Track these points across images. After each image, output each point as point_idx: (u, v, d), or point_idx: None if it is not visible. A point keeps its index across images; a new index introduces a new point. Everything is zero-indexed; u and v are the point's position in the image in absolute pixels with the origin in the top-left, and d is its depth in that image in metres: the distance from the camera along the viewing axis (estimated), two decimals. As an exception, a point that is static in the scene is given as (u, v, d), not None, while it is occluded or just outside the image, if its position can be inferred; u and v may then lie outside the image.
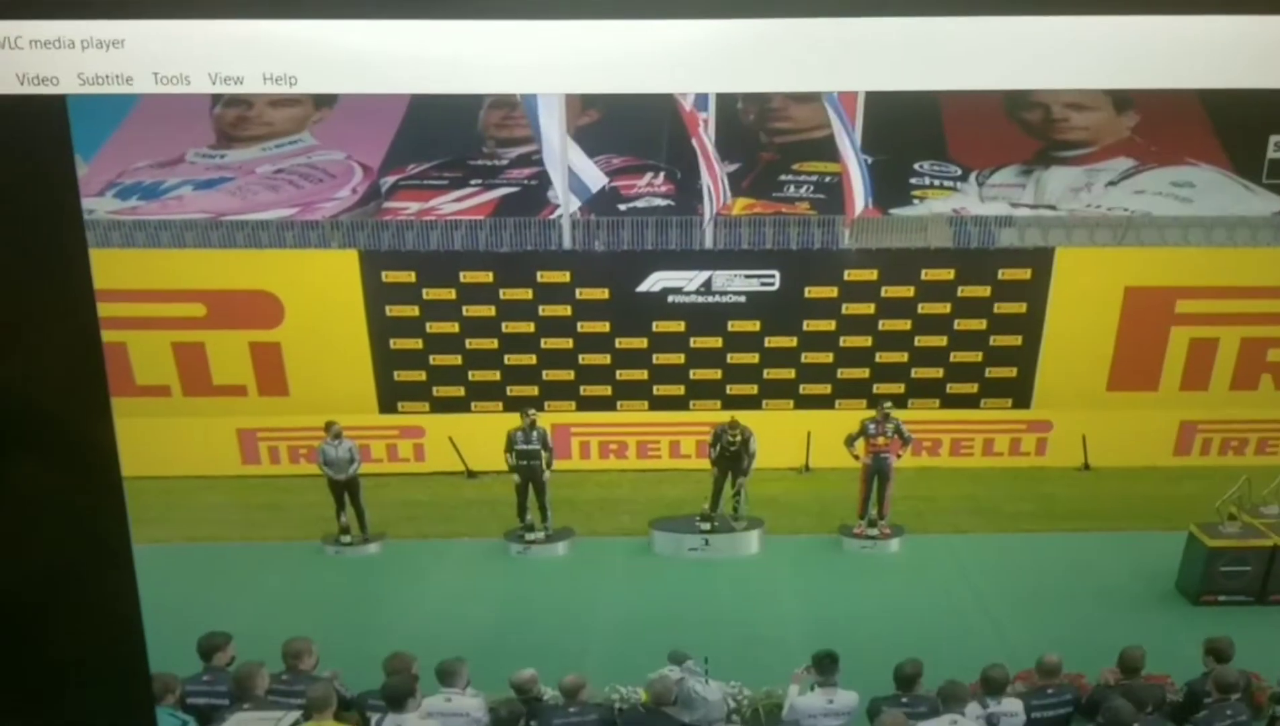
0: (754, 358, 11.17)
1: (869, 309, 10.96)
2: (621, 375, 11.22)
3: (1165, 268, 10.75)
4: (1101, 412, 11.09)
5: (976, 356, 11.14)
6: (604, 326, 11.02)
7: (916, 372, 11.21)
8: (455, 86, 1.51)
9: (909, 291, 10.88)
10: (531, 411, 9.04)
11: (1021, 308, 10.91)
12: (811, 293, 10.90)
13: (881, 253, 11.02)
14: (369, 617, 7.70)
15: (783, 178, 12.12)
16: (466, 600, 8.18)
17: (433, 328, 10.98)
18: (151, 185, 11.76)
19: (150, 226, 11.10)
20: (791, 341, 11.07)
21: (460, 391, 11.24)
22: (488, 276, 10.83)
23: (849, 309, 10.95)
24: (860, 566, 8.84)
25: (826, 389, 11.25)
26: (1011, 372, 11.19)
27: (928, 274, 10.85)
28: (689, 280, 10.84)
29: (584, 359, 11.15)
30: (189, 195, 11.66)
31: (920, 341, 11.07)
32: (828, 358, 11.14)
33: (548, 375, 11.20)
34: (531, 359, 11.14)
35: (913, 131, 12.01)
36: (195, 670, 5.14)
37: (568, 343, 11.07)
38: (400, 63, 1.48)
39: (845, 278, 10.85)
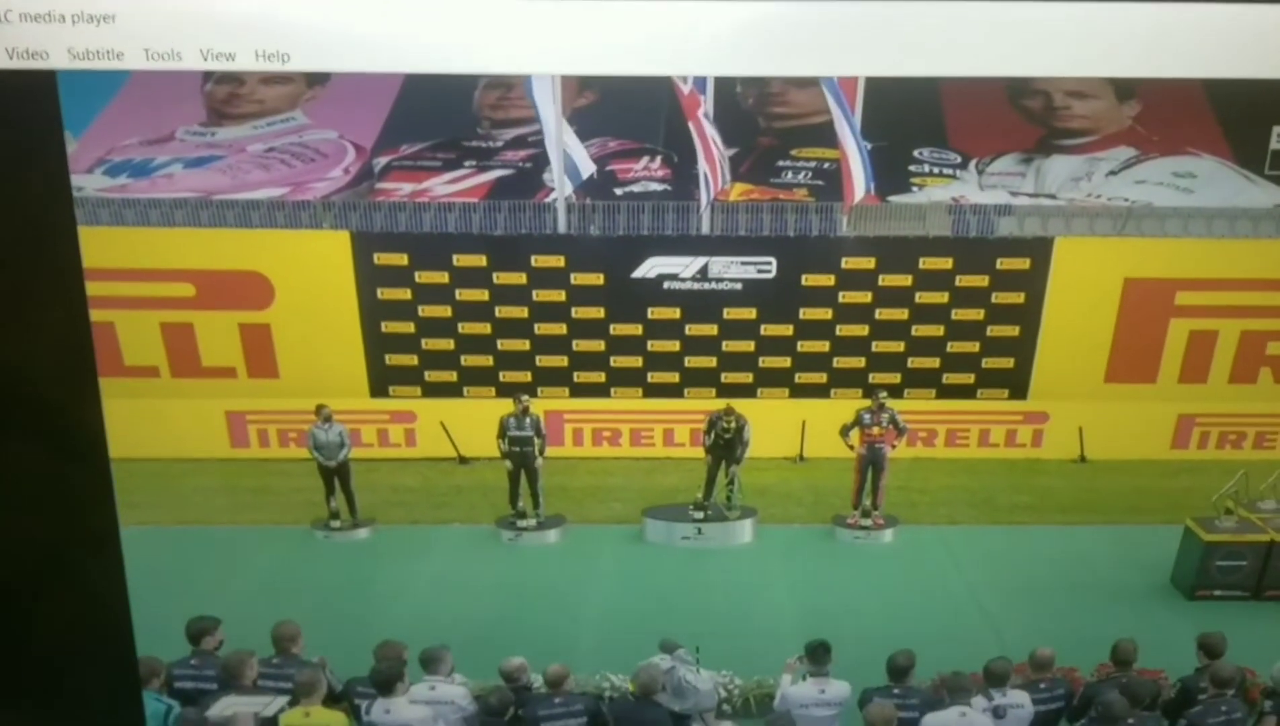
0: (750, 345, 11.08)
1: (866, 297, 10.86)
2: (616, 362, 11.13)
3: (1165, 259, 10.67)
4: (1099, 404, 11.02)
5: (973, 346, 11.06)
6: (599, 312, 10.92)
7: (913, 362, 11.13)
8: (451, 66, 1.49)
9: (907, 280, 10.78)
10: (524, 397, 8.98)
11: (1019, 298, 10.82)
12: (808, 280, 10.80)
13: (879, 241, 10.94)
14: (358, 603, 7.65)
15: (781, 163, 12.02)
16: (457, 587, 8.12)
17: (425, 311, 10.87)
18: (141, 162, 11.62)
19: (140, 204, 10.98)
20: (788, 329, 10.98)
21: (452, 376, 11.15)
22: (481, 260, 10.71)
23: (846, 297, 10.86)
24: (854, 557, 8.80)
25: (822, 378, 11.17)
26: (1009, 363, 11.12)
27: (926, 262, 10.75)
28: (685, 266, 10.73)
29: (578, 345, 11.05)
30: (179, 173, 11.53)
31: (917, 331, 10.98)
32: (824, 346, 11.05)
33: (541, 361, 11.11)
34: (525, 344, 11.04)
35: (913, 118, 11.91)
36: (182, 654, 5.06)
37: (562, 328, 10.97)
38: (395, 41, 1.46)
39: (843, 266, 10.76)
